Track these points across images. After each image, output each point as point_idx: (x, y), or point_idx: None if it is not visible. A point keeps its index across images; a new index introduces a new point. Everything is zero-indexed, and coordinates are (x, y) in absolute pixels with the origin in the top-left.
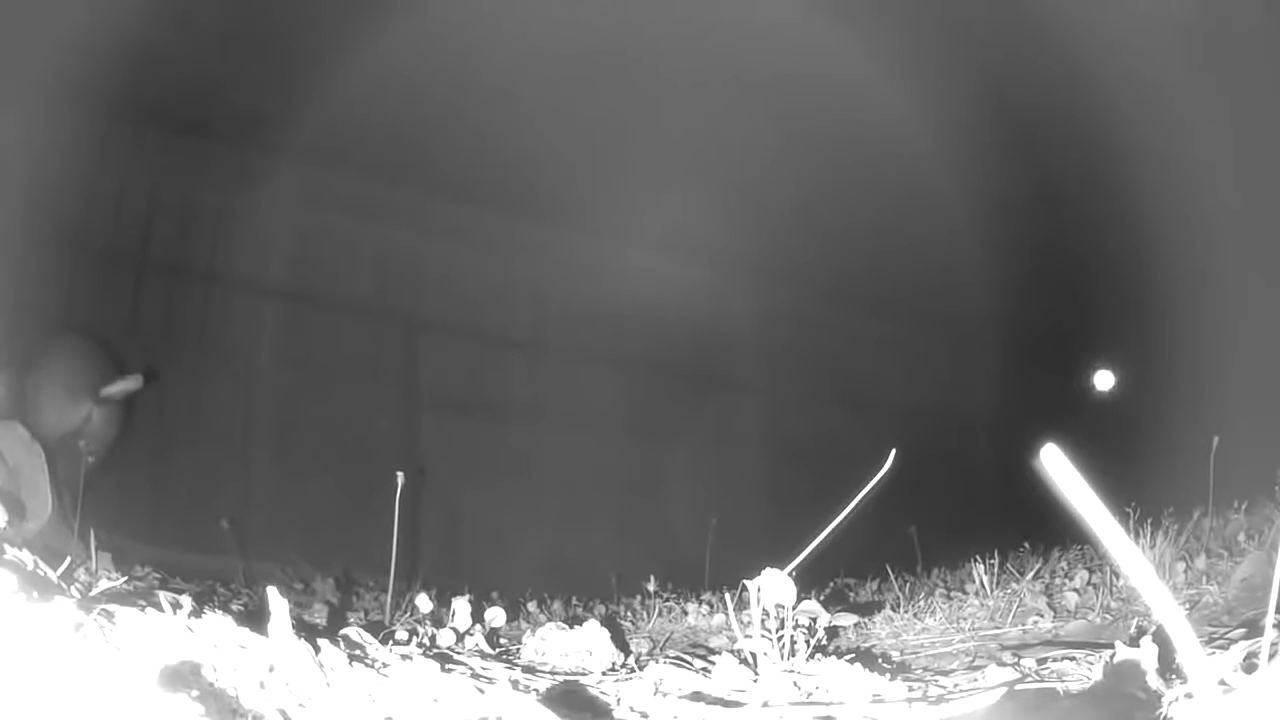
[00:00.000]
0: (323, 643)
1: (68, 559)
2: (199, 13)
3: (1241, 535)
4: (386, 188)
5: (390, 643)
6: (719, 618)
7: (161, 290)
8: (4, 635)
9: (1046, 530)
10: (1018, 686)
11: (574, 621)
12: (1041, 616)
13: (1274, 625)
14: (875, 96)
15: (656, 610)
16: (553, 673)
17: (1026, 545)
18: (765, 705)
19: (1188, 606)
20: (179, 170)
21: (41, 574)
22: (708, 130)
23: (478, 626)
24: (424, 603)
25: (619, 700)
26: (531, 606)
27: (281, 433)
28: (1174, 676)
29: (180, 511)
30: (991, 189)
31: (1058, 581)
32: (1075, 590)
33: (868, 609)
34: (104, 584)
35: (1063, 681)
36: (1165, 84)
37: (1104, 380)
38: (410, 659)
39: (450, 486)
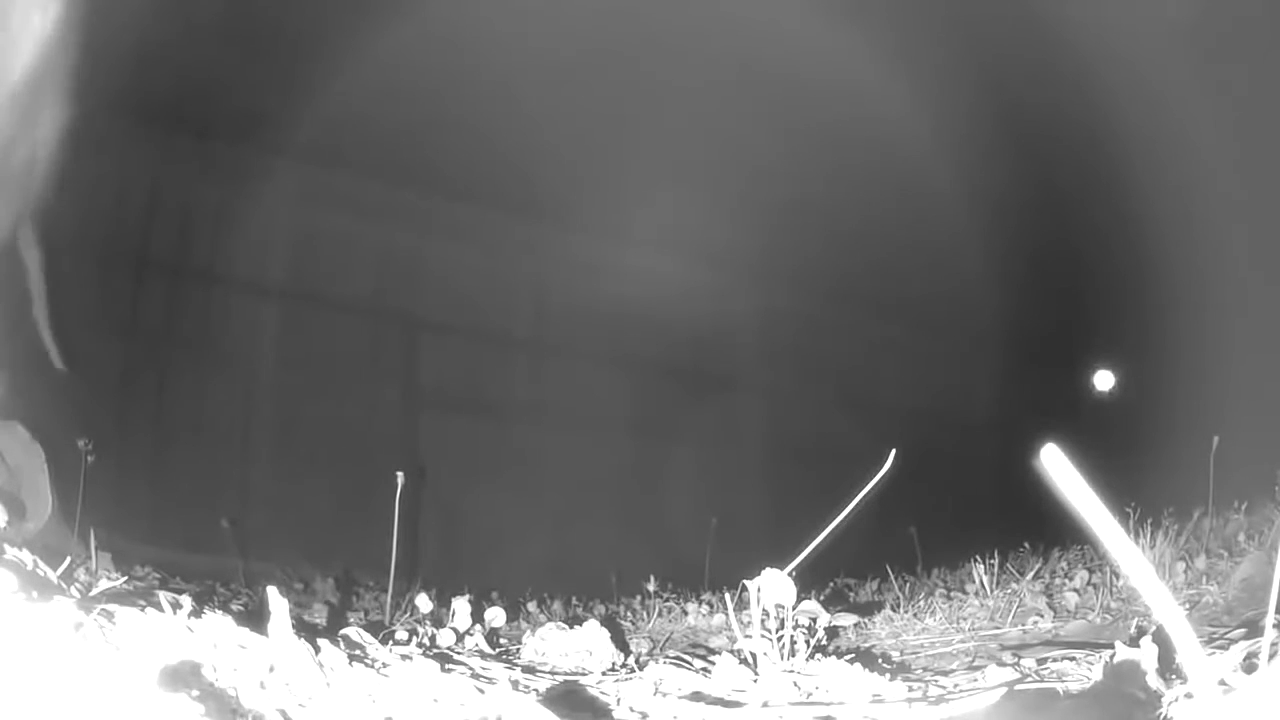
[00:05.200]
0: (323, 643)
1: (68, 559)
2: (200, 13)
3: (1241, 535)
4: (386, 188)
5: (390, 643)
6: (719, 618)
7: (161, 290)
8: (4, 635)
9: (1046, 530)
10: (1018, 686)
11: (574, 621)
12: (1041, 616)
13: (1274, 625)
14: (876, 97)
15: (656, 610)
16: (553, 673)
17: (1026, 545)
18: (765, 705)
19: (1188, 606)
20: (179, 170)
21: (41, 574)
22: (709, 130)
23: (478, 626)
24: (424, 603)
25: (619, 700)
26: (531, 606)
27: (281, 433)
28: (1174, 676)
29: (180, 511)
30: (992, 189)
31: (1058, 581)
32: (1075, 590)
33: (868, 609)
34: (104, 584)
35: (1063, 681)
36: (1166, 85)
37: (1104, 380)
38: (410, 659)
39: (450, 486)
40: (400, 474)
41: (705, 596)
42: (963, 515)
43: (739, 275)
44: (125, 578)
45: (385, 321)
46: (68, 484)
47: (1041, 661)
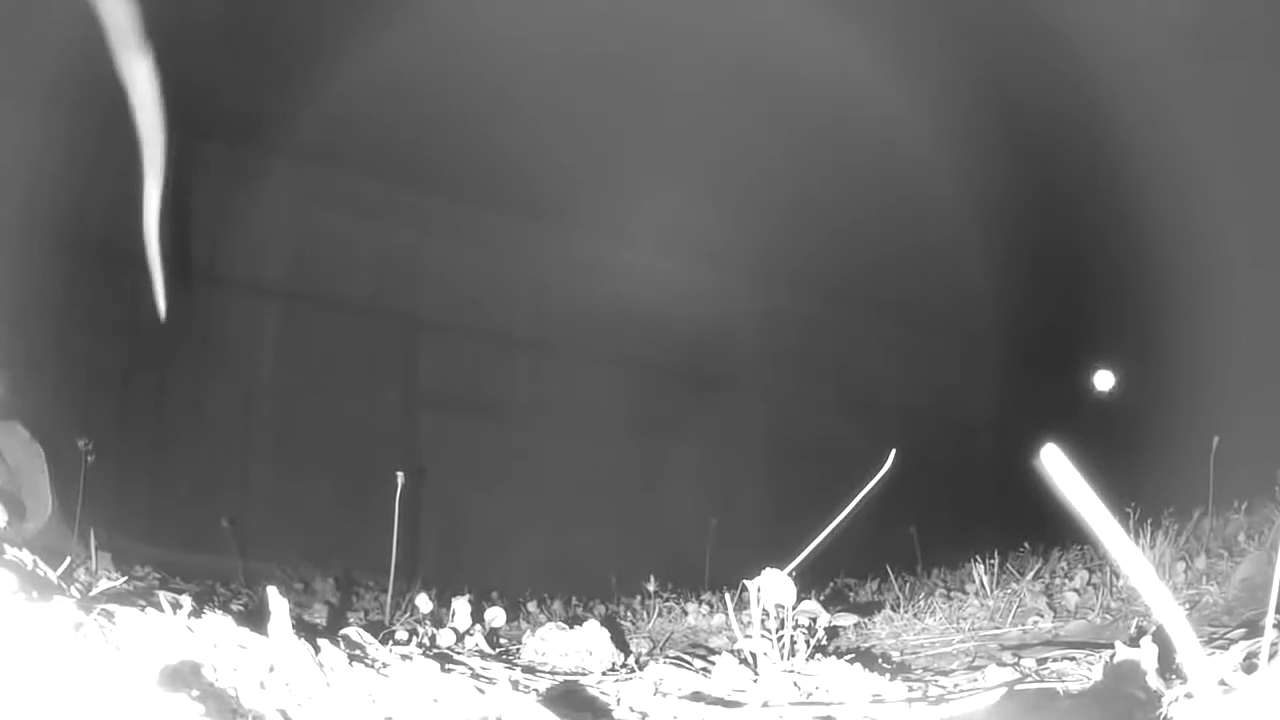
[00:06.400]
0: (323, 643)
1: (68, 559)
2: (200, 13)
3: (1241, 535)
4: (386, 188)
5: (390, 643)
6: (719, 618)
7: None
8: (4, 635)
9: (1046, 530)
10: (1018, 686)
11: (574, 621)
12: (1041, 616)
13: (1274, 625)
14: (876, 97)
15: (656, 610)
16: (553, 673)
17: (1026, 545)
18: (765, 705)
19: (1188, 606)
20: (179, 170)
21: (41, 574)
22: (709, 130)
23: (478, 626)
24: (424, 603)
25: (619, 700)
26: (531, 606)
27: (281, 433)
28: (1174, 676)
29: (180, 511)
30: (992, 189)
31: (1058, 581)
32: (1075, 590)
33: (868, 609)
34: (104, 584)
35: (1063, 681)
36: (1166, 85)
37: (1104, 380)
38: (410, 659)
39: (450, 486)
40: (400, 474)
41: (705, 596)
42: (963, 515)
43: (739, 275)
44: (125, 578)
45: (385, 321)
46: (68, 484)
47: (1041, 661)
